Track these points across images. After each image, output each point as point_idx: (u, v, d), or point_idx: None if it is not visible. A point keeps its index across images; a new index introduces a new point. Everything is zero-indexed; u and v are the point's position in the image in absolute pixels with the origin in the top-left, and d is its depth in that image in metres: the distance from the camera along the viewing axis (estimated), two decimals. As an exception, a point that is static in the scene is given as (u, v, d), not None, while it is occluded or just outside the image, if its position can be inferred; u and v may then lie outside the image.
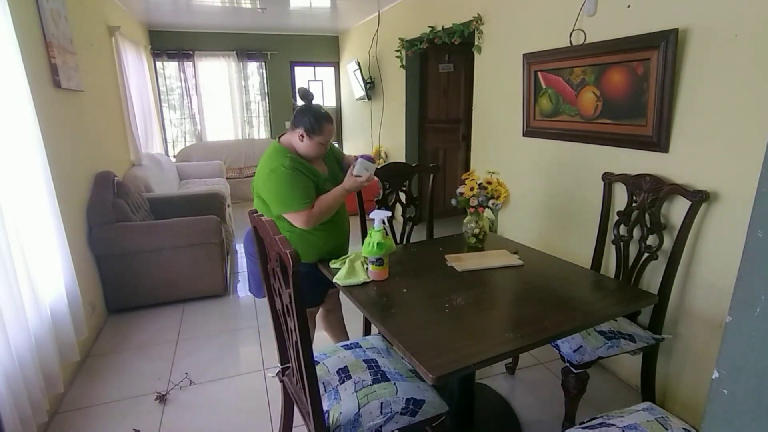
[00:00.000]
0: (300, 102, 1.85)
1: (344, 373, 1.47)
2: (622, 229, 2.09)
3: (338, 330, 2.31)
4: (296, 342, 1.26)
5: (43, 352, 1.92)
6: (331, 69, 7.09)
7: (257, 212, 1.43)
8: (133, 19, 5.03)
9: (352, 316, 2.92)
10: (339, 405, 1.36)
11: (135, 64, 4.56)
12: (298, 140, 1.80)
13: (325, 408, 1.36)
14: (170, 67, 6.32)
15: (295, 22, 5.90)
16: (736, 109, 1.67)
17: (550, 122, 2.60)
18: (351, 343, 1.67)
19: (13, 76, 1.87)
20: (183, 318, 2.98)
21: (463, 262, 1.80)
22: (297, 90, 1.85)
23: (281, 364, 1.61)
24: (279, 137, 1.89)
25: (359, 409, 1.34)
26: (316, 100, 1.85)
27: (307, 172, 1.81)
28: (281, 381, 1.63)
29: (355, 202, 2.36)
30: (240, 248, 4.43)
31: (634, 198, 2.03)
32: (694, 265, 1.88)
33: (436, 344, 1.26)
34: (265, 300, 1.49)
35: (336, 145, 2.20)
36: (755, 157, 1.62)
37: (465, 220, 2.08)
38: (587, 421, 1.33)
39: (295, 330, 1.24)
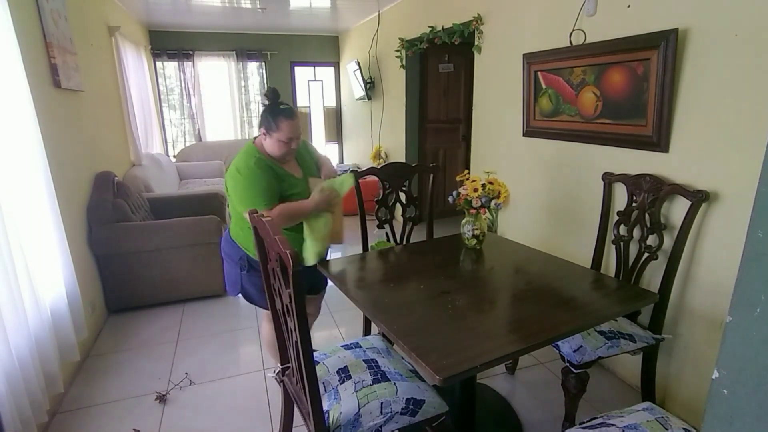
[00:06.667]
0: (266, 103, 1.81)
1: (344, 373, 1.47)
2: (622, 229, 2.09)
3: None
4: (296, 342, 1.26)
5: (43, 352, 1.92)
6: (331, 69, 7.07)
7: (257, 212, 1.43)
8: (133, 19, 5.03)
9: (353, 315, 2.93)
10: (339, 405, 1.36)
11: (135, 64, 4.56)
12: (262, 139, 1.82)
13: (325, 408, 1.36)
14: (170, 67, 6.31)
15: (295, 22, 5.90)
16: (735, 109, 1.67)
17: (550, 122, 2.60)
18: (351, 343, 1.67)
19: (13, 76, 1.87)
20: (183, 318, 2.98)
21: None
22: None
23: (281, 364, 1.61)
24: (254, 138, 1.89)
25: (359, 409, 1.34)
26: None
27: (272, 173, 1.78)
28: (281, 382, 1.63)
29: (354, 203, 2.36)
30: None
31: (634, 198, 2.03)
32: (694, 265, 1.88)
33: (442, 345, 1.26)
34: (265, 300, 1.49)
35: (315, 149, 2.16)
36: (755, 157, 1.62)
37: (462, 222, 2.06)
38: (587, 421, 1.33)
39: (295, 330, 1.24)
